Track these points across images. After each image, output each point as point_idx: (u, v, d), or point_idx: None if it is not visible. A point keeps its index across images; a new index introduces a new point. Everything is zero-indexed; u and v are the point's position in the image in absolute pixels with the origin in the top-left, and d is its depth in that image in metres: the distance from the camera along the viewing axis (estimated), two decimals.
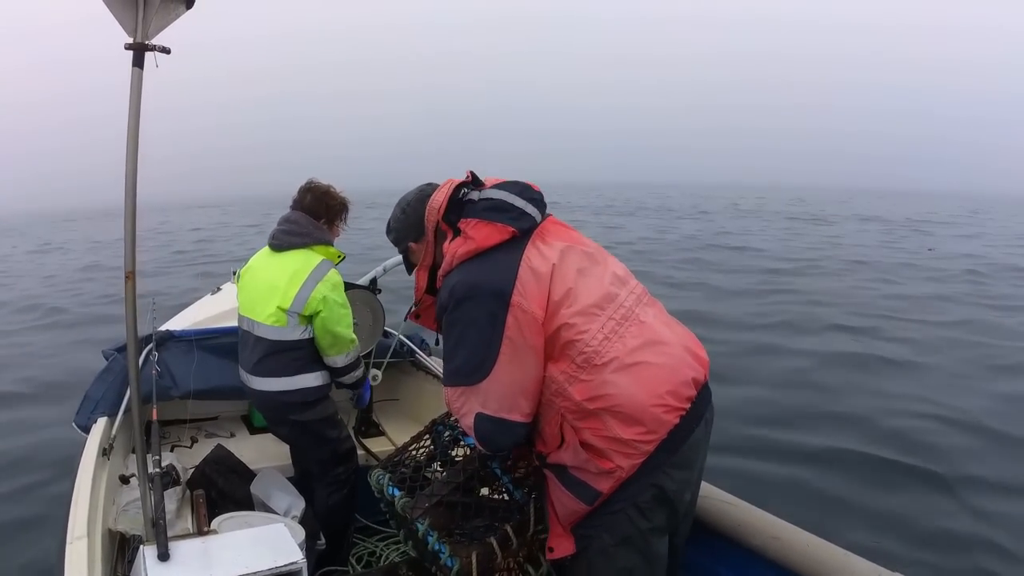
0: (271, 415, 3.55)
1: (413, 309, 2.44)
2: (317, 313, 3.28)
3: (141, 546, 2.20)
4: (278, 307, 3.26)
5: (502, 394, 2.05)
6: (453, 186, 2.23)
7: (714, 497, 2.58)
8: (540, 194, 2.22)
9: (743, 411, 7.08)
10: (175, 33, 2.25)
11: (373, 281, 4.32)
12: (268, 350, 3.32)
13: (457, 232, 2.16)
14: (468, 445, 2.61)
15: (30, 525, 5.09)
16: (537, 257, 2.07)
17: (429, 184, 2.34)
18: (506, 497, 2.53)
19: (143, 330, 3.82)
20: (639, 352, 2.03)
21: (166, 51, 2.20)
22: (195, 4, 2.28)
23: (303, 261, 3.34)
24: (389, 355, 4.48)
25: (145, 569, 2.05)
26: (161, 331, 4.22)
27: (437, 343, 2.34)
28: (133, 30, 2.16)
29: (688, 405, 2.06)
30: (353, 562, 3.66)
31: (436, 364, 4.66)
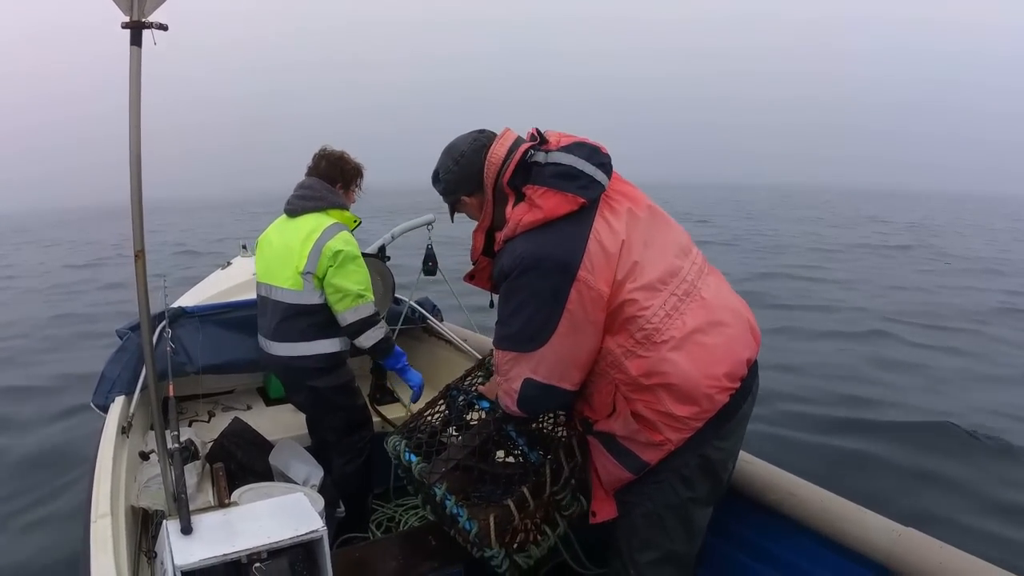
0: (288, 381, 3.59)
1: (469, 270, 2.36)
2: (327, 269, 3.27)
3: (164, 521, 2.23)
4: (295, 270, 3.29)
5: (555, 363, 2.03)
6: (520, 150, 2.07)
7: None
8: (608, 157, 2.07)
9: None
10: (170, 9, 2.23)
11: (382, 248, 4.34)
12: (285, 314, 3.35)
13: (521, 196, 2.05)
14: (483, 409, 2.63)
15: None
16: (606, 230, 1.97)
17: (483, 132, 2.19)
18: (521, 459, 2.55)
19: (155, 308, 3.84)
20: (699, 332, 1.99)
21: (163, 28, 2.18)
22: None
23: (316, 223, 3.36)
24: (401, 322, 4.50)
25: (169, 543, 2.08)
26: (173, 308, 4.24)
27: (491, 305, 2.23)
28: (129, 8, 2.14)
29: (739, 384, 2.05)
30: (373, 528, 3.71)
31: (448, 330, 4.68)
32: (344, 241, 3.30)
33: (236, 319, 4.33)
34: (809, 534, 2.30)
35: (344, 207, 3.49)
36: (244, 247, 6.60)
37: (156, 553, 2.34)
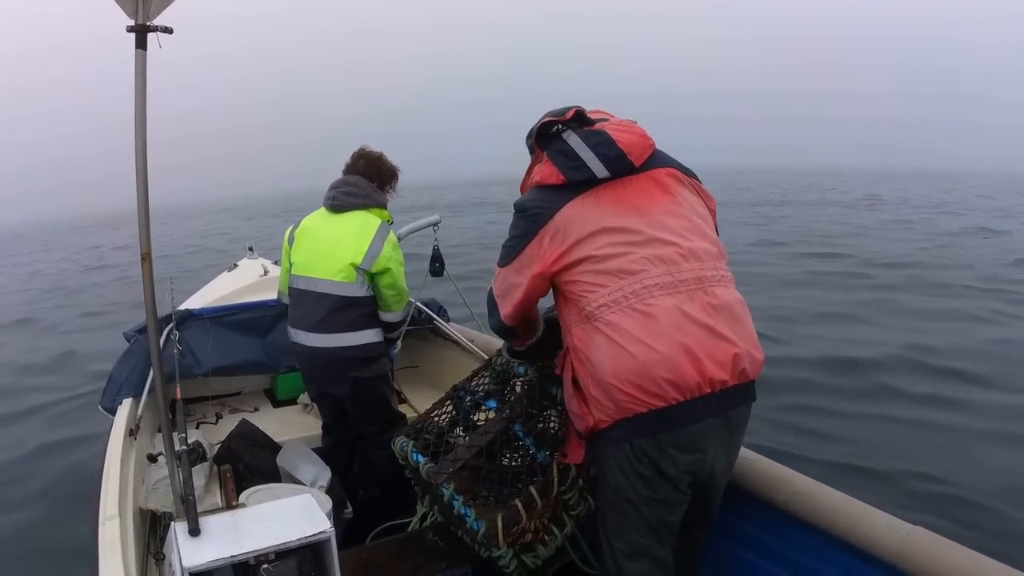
0: (330, 373, 3.55)
1: None
2: (385, 271, 3.40)
3: (172, 522, 2.24)
4: (350, 264, 3.36)
5: (502, 284, 2.36)
6: (542, 121, 2.34)
7: None
8: (620, 152, 2.20)
9: None
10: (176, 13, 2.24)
11: None
12: (335, 306, 3.40)
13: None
14: (489, 409, 2.63)
15: None
16: (576, 212, 2.18)
17: (568, 107, 2.41)
18: (529, 459, 2.55)
19: (162, 310, 3.87)
20: (624, 335, 2.03)
21: (168, 31, 2.19)
22: None
23: (366, 221, 3.47)
24: (407, 323, 4.49)
25: (177, 545, 2.08)
26: (180, 310, 4.24)
27: None
28: (134, 12, 2.14)
29: (661, 404, 2.00)
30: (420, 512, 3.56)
31: (455, 330, 4.68)
32: (394, 245, 3.48)
33: (243, 321, 4.35)
34: (817, 533, 2.29)
35: (384, 206, 3.61)
36: (250, 249, 6.61)
37: (164, 555, 2.35)
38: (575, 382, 2.21)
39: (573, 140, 2.24)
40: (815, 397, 7.01)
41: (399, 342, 4.14)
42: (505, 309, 2.37)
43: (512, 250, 2.29)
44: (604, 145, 2.20)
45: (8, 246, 45.02)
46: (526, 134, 2.49)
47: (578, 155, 2.21)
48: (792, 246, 18.91)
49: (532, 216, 2.23)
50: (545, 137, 2.33)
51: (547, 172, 2.25)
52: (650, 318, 2.03)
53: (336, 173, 3.68)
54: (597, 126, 2.27)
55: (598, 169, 2.19)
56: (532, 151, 2.46)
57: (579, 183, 2.20)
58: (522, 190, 2.46)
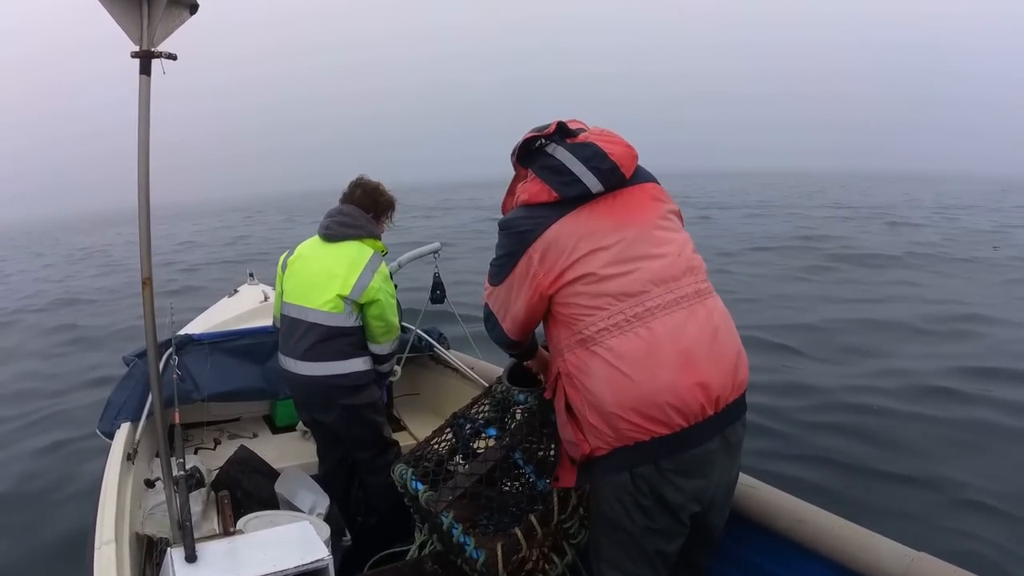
0: (319, 401, 3.54)
1: None
2: (374, 302, 3.39)
3: (168, 548, 2.22)
4: (337, 295, 3.35)
5: (499, 302, 2.28)
6: (525, 136, 2.29)
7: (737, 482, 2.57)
8: (612, 164, 2.13)
9: None
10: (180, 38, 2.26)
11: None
12: (323, 336, 3.39)
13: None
14: (489, 437, 2.62)
15: None
16: (569, 228, 2.10)
17: (550, 123, 2.37)
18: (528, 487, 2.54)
19: (162, 335, 3.87)
20: (626, 360, 1.98)
21: (172, 57, 2.20)
22: (199, 9, 2.28)
23: (358, 252, 3.45)
24: (407, 350, 4.48)
25: (173, 571, 2.07)
26: (180, 335, 4.24)
27: None
28: (138, 38, 2.16)
29: (665, 431, 1.98)
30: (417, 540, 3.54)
31: (455, 358, 4.67)
32: (384, 277, 3.46)
33: (243, 347, 4.34)
34: (819, 560, 2.27)
35: (378, 236, 3.59)
36: (251, 275, 6.62)
37: None
38: (568, 408, 2.14)
39: (561, 154, 2.16)
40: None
41: (399, 368, 4.14)
42: (507, 324, 2.30)
43: (502, 269, 2.22)
44: (596, 158, 2.13)
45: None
46: (510, 152, 2.41)
47: (570, 170, 2.12)
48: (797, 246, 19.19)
49: (519, 234, 2.15)
50: (529, 154, 2.26)
51: (535, 189, 2.16)
52: (651, 342, 1.99)
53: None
54: (580, 137, 2.20)
55: (592, 184, 2.11)
56: (515, 169, 2.38)
57: (571, 199, 2.13)
58: (504, 210, 2.41)
